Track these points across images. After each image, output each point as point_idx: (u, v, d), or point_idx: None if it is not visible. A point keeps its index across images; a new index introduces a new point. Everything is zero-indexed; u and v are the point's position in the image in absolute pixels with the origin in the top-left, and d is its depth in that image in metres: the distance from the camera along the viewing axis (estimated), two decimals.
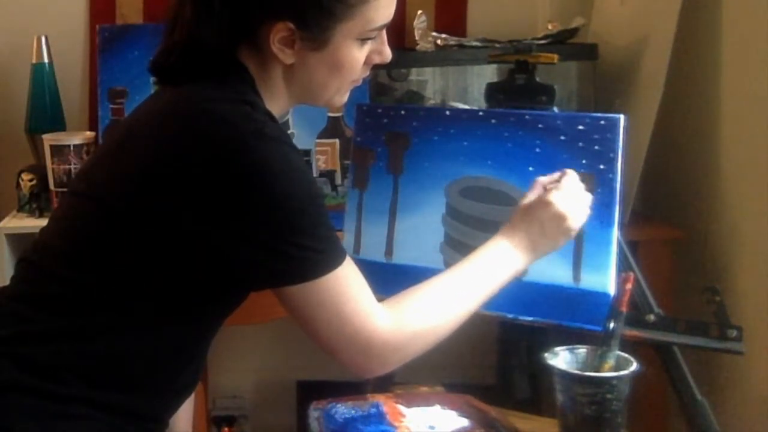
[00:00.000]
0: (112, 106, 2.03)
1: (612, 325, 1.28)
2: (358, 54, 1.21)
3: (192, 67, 1.18)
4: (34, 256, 1.21)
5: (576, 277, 1.38)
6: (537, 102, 1.57)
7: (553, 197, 1.29)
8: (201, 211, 1.10)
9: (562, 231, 1.30)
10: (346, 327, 1.14)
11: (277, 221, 1.10)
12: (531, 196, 1.32)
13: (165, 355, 1.19)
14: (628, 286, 1.33)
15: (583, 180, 1.33)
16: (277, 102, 1.23)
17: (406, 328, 1.18)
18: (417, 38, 2.14)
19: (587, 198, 1.33)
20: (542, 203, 1.29)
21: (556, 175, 1.34)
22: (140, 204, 1.12)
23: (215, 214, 1.10)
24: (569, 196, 1.30)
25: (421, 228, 1.50)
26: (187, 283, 1.15)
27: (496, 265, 1.27)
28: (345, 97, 1.28)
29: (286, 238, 1.10)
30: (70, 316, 1.14)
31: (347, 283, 1.15)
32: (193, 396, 1.42)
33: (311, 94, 1.25)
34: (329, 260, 1.13)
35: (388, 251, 1.52)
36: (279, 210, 1.10)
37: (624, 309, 1.30)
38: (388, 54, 1.25)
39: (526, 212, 1.30)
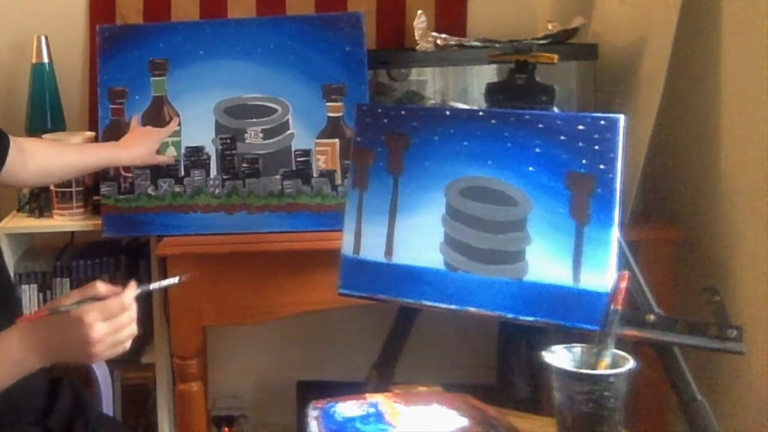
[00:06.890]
0: (112, 106, 2.03)
1: (608, 323, 1.28)
2: None
3: None
4: None
5: (576, 277, 1.38)
6: (537, 102, 1.57)
7: (91, 318, 1.16)
8: None
9: (84, 354, 1.18)
10: None
11: None
12: (70, 300, 1.19)
13: None
14: (624, 284, 1.33)
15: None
16: None
17: None
18: (417, 38, 2.14)
19: (130, 330, 1.21)
20: (77, 320, 1.16)
21: (115, 288, 1.22)
22: None
23: None
24: (111, 325, 1.18)
25: (421, 228, 1.50)
26: None
27: None
28: None
29: None
30: None
31: None
32: None
33: None
34: None
35: (388, 251, 1.52)
36: None
37: (619, 307, 1.30)
38: None
39: (57, 321, 1.17)
